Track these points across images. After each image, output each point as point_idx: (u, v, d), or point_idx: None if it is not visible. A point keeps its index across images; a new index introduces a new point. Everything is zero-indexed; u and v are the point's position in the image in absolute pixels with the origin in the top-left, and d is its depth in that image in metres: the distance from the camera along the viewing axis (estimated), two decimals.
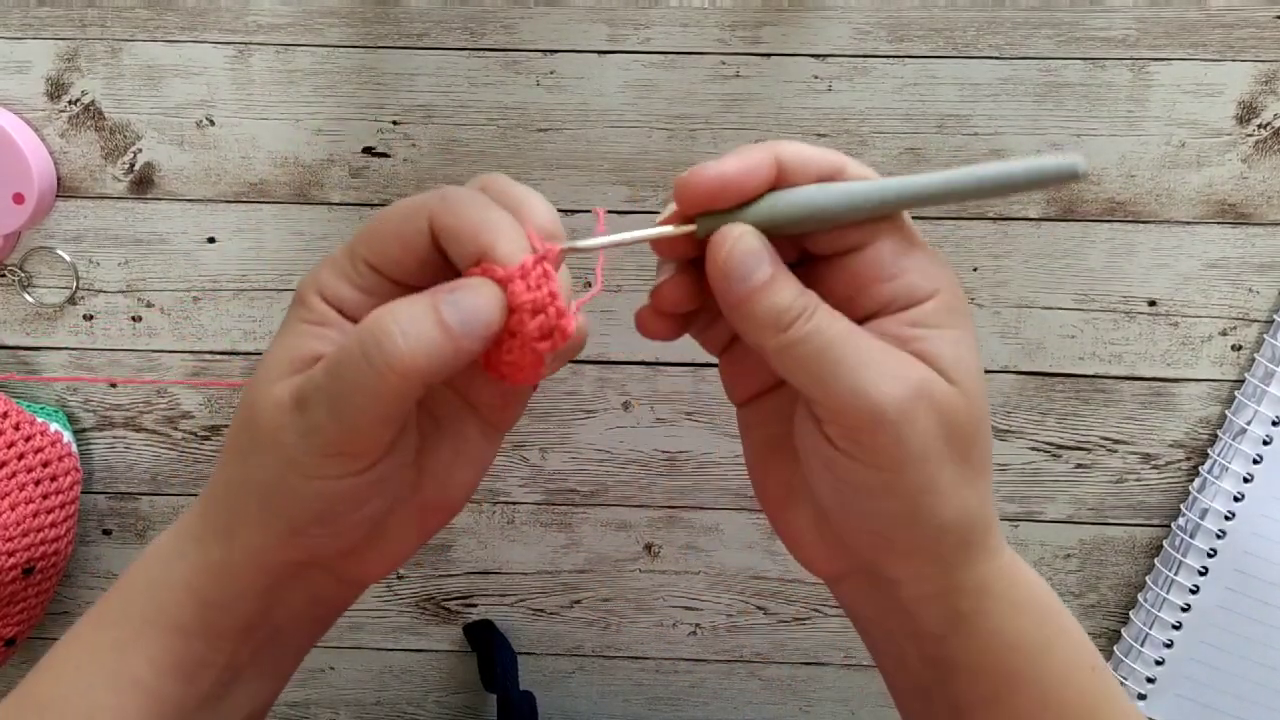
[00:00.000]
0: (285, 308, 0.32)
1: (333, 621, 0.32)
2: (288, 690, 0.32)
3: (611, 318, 0.55)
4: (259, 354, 0.56)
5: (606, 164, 0.53)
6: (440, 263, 0.26)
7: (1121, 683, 0.57)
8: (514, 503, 0.58)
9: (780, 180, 0.27)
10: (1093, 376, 0.55)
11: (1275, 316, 0.54)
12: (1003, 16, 0.51)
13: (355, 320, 0.26)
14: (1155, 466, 0.56)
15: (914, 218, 0.28)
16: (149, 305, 0.55)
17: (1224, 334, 0.54)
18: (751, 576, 0.58)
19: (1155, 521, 0.57)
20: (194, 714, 0.28)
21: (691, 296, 0.29)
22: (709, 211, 0.27)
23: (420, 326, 0.24)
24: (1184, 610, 0.55)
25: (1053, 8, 0.51)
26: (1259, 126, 0.52)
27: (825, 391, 0.25)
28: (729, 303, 0.26)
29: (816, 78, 0.52)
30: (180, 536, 0.29)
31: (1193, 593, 0.55)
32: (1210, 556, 0.54)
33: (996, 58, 0.52)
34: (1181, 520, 0.56)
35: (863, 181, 0.27)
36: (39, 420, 0.53)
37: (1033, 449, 0.56)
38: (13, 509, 0.51)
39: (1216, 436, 0.55)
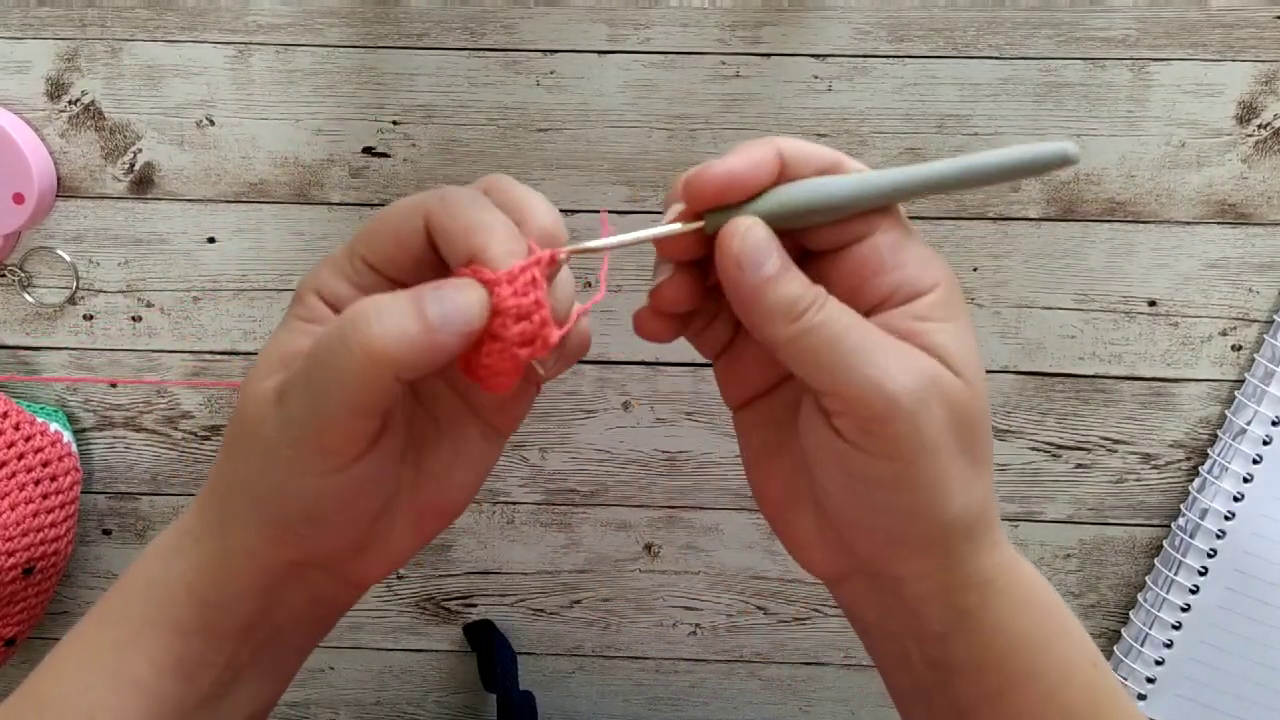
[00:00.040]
0: (285, 308, 0.32)
1: (334, 622, 0.32)
2: (288, 690, 0.32)
3: (611, 318, 0.55)
4: (259, 354, 0.56)
5: (606, 164, 0.53)
6: (436, 262, 0.26)
7: (1121, 683, 0.57)
8: (514, 503, 0.58)
9: (782, 175, 0.27)
10: (1093, 376, 0.55)
11: (1275, 316, 0.54)
12: (1003, 16, 0.51)
13: None
14: (1155, 466, 0.56)
15: (914, 218, 0.28)
16: (149, 305, 0.55)
17: (1224, 334, 0.54)
18: (751, 576, 0.58)
19: (1155, 521, 0.57)
20: (194, 713, 0.28)
21: (691, 296, 0.29)
22: (715, 208, 0.27)
23: (398, 316, 0.24)
24: (1184, 610, 0.55)
25: (1053, 8, 0.51)
26: (1259, 126, 0.52)
27: (837, 382, 0.25)
28: (741, 294, 0.26)
29: (816, 78, 0.52)
30: (179, 535, 0.29)
31: (1193, 593, 0.55)
32: (1210, 556, 0.54)
33: (996, 58, 0.52)
34: (1181, 520, 0.56)
35: (867, 171, 0.27)
36: (39, 420, 0.53)
37: (1033, 449, 0.56)
38: (13, 509, 0.51)
39: (1216, 436, 0.55)
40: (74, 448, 0.55)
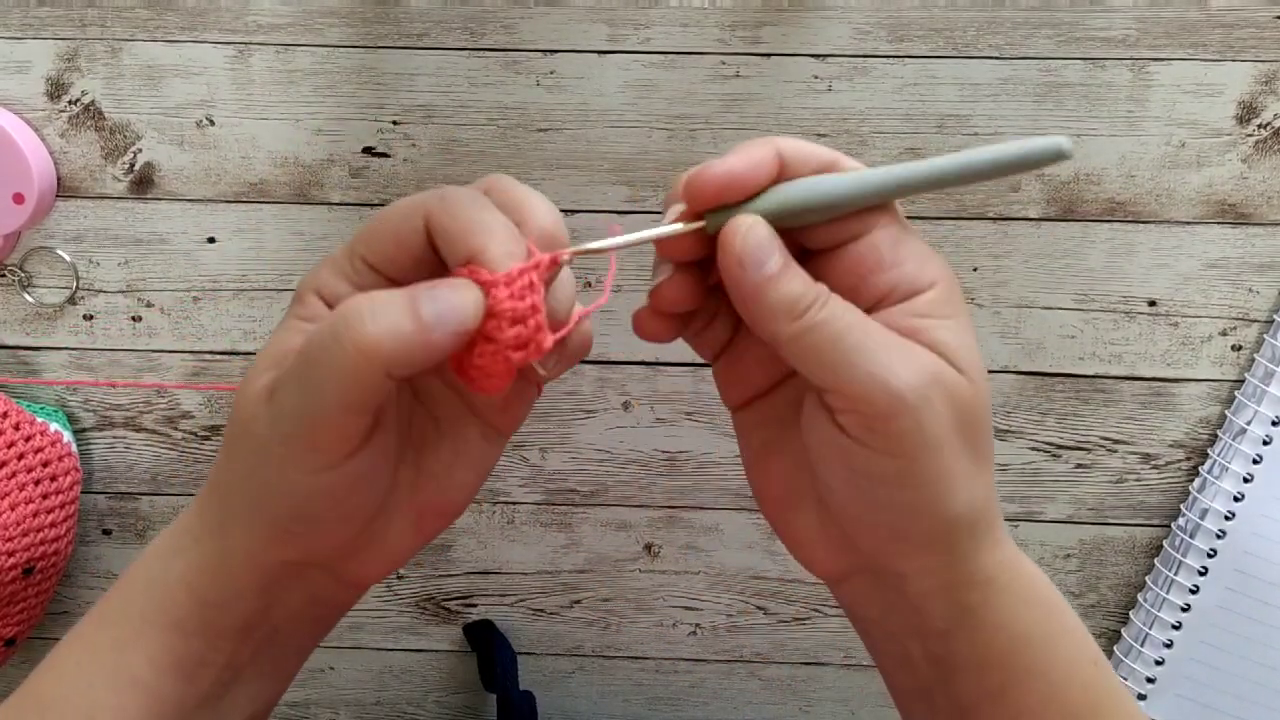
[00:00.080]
0: (285, 308, 0.32)
1: (334, 622, 0.32)
2: (288, 690, 0.32)
3: (612, 318, 0.55)
4: (258, 354, 0.56)
5: (606, 164, 0.53)
6: (435, 262, 0.26)
7: (1121, 682, 0.57)
8: (514, 503, 0.58)
9: (782, 175, 0.27)
10: (1093, 376, 0.55)
11: (1275, 316, 0.54)
12: (1003, 16, 0.51)
13: None
14: (1155, 466, 0.56)
15: (914, 218, 0.28)
16: (149, 305, 0.55)
17: (1224, 334, 0.54)
18: (751, 576, 0.58)
19: (1155, 521, 0.57)
20: (194, 713, 0.28)
21: (690, 296, 0.29)
22: (716, 208, 0.27)
23: (392, 313, 0.24)
24: (1184, 610, 0.55)
25: (1053, 8, 0.51)
26: (1259, 126, 0.52)
27: (840, 379, 0.25)
28: (743, 292, 0.26)
29: (816, 78, 0.52)
30: (179, 534, 0.29)
31: (1193, 593, 0.55)
32: (1210, 556, 0.54)
33: (996, 58, 0.52)
34: (1181, 520, 0.56)
35: (866, 169, 0.27)
36: (39, 420, 0.53)
37: (1033, 449, 0.56)
38: (13, 509, 0.51)
39: (1216, 436, 0.55)
40: (74, 448, 0.55)
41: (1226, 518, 0.54)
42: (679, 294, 0.29)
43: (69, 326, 0.55)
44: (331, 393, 0.24)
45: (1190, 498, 0.55)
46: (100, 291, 0.55)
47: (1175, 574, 0.55)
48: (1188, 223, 0.53)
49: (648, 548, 0.58)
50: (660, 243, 0.28)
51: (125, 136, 0.53)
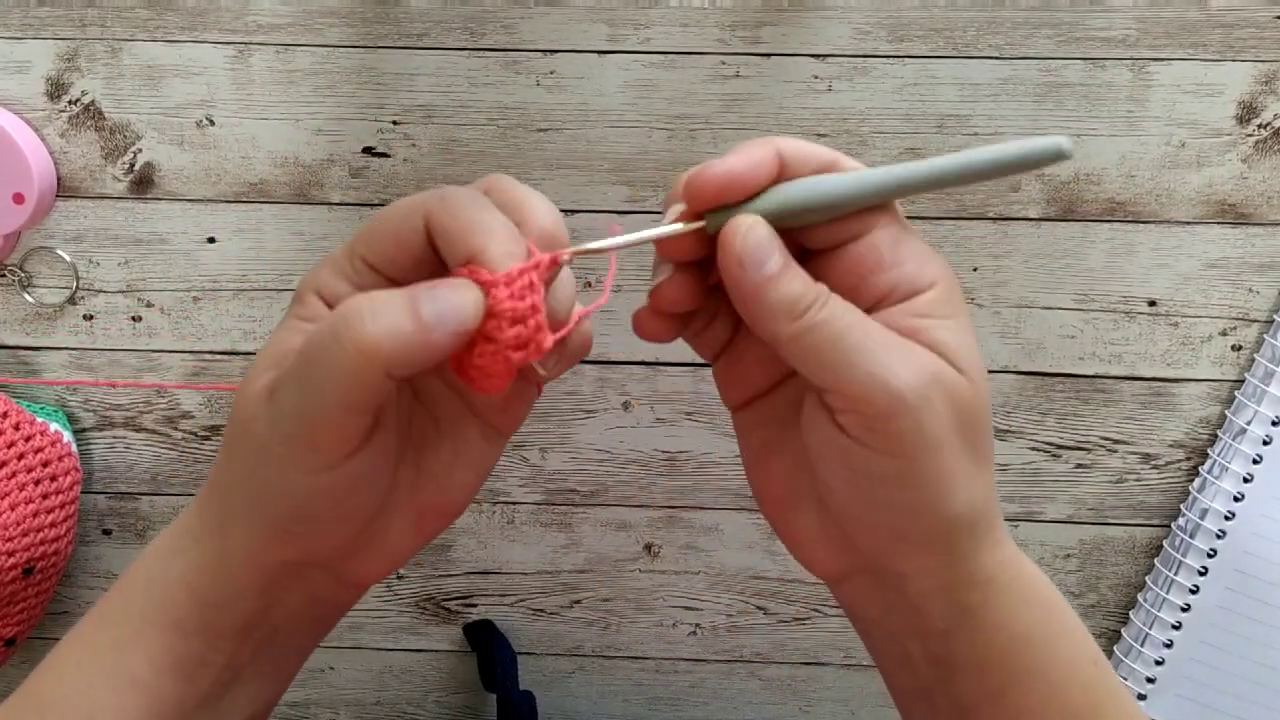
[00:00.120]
0: (285, 308, 0.32)
1: (334, 622, 0.32)
2: (288, 690, 0.32)
3: (612, 318, 0.55)
4: (257, 354, 0.56)
5: (606, 164, 0.53)
6: (435, 262, 0.26)
7: (1121, 682, 0.57)
8: (514, 503, 0.58)
9: (782, 175, 0.27)
10: (1093, 376, 0.55)
11: (1275, 316, 0.54)
12: (1003, 16, 0.51)
13: None
14: (1155, 466, 0.56)
15: (914, 218, 0.28)
16: (149, 305, 0.55)
17: (1224, 334, 0.54)
18: (751, 576, 0.58)
19: (1155, 521, 0.57)
20: (194, 713, 0.28)
21: (690, 296, 0.29)
22: (716, 208, 0.27)
23: (392, 312, 0.24)
24: (1184, 610, 0.55)
25: (1053, 8, 0.51)
26: (1259, 126, 0.52)
27: (840, 379, 0.25)
28: (744, 292, 0.26)
29: (816, 78, 0.52)
30: (179, 534, 0.29)
31: (1193, 593, 0.55)
32: (1210, 556, 0.54)
33: (996, 58, 0.52)
34: (1181, 520, 0.56)
35: (866, 169, 0.27)
36: (39, 420, 0.53)
37: (1033, 449, 0.56)
38: (13, 509, 0.51)
39: (1216, 436, 0.55)
40: (74, 448, 0.55)
41: (1226, 518, 0.54)
42: (679, 294, 0.29)
43: (69, 326, 0.55)
44: (331, 393, 0.24)
45: (1190, 498, 0.55)
46: (100, 291, 0.55)
47: (1175, 574, 0.55)
48: (1188, 223, 0.53)
49: (648, 548, 0.58)
50: (660, 243, 0.28)
51: (125, 136, 0.53)
